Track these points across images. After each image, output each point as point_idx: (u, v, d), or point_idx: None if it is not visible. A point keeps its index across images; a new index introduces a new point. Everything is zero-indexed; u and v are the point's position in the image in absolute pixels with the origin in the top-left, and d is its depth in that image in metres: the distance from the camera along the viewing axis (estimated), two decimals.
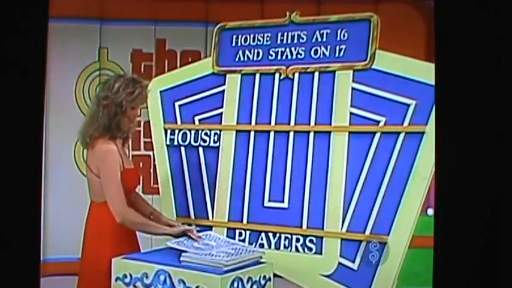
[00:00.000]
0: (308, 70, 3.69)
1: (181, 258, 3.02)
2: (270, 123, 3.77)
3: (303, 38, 3.72)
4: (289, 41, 3.76)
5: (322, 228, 3.59)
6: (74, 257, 3.46)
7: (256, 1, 4.18)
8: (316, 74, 3.67)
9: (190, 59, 4.33)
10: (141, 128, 4.40)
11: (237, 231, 3.79)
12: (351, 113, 3.57)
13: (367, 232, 3.49)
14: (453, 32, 3.01)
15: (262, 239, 3.72)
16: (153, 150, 4.10)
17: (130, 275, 3.03)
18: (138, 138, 4.43)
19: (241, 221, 3.78)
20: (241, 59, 3.87)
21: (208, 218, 3.87)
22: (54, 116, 4.38)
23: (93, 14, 4.44)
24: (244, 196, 3.79)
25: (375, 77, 3.53)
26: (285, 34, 3.77)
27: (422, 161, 3.39)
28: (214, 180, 3.88)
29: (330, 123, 3.62)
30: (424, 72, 3.39)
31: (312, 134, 3.65)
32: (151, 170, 4.34)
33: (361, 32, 3.58)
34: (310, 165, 3.64)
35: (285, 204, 3.69)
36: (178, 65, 4.47)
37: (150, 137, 4.10)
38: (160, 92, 4.04)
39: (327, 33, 3.67)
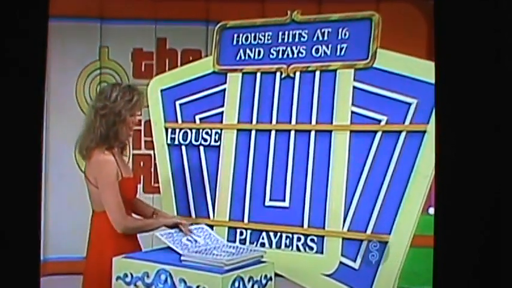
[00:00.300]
0: (309, 69, 3.69)
1: (182, 258, 3.02)
2: (271, 122, 3.76)
3: (304, 37, 3.71)
4: (290, 39, 3.75)
5: (323, 228, 3.58)
6: (74, 256, 3.47)
7: (257, 0, 4.18)
8: (317, 72, 3.66)
9: (191, 58, 4.34)
10: (142, 127, 4.41)
11: (238, 231, 3.78)
12: (352, 112, 3.56)
13: (369, 231, 3.48)
14: (453, 29, 2.99)
15: (263, 238, 3.72)
16: (153, 149, 4.09)
17: (131, 274, 3.02)
18: (138, 137, 4.44)
19: (242, 220, 3.78)
20: (242, 57, 3.86)
21: (209, 217, 3.87)
22: (54, 115, 4.39)
23: (93, 13, 4.45)
24: (245, 195, 3.78)
25: (376, 76, 3.52)
26: (286, 33, 3.76)
27: (423, 159, 3.38)
28: (215, 179, 3.87)
29: (331, 122, 3.61)
30: (426, 71, 3.37)
31: (313, 133, 3.64)
32: (152, 169, 4.35)
33: (363, 31, 3.57)
34: (311, 164, 3.63)
35: (286, 204, 3.69)
36: (179, 64, 4.49)
37: (151, 136, 4.09)
38: (161, 91, 4.04)
39: (328, 32, 3.66)
